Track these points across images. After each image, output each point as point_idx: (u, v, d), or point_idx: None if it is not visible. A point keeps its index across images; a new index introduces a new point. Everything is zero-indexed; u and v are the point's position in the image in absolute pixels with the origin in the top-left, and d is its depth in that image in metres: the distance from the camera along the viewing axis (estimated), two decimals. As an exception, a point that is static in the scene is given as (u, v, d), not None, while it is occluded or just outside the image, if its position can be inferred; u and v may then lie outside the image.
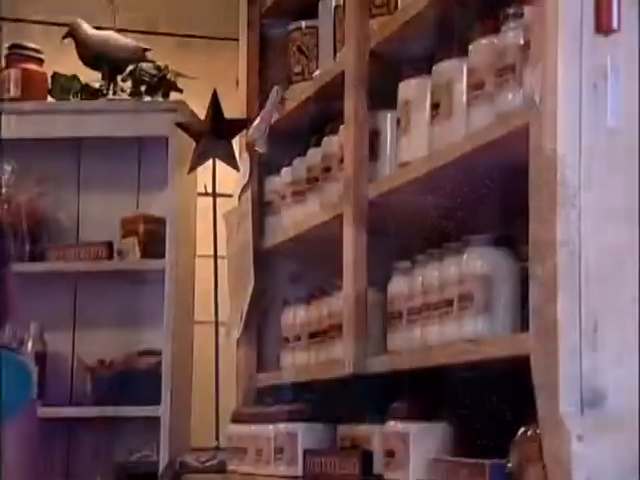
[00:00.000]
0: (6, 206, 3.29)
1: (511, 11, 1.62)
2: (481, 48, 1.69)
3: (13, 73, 3.33)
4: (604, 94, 1.42)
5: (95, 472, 3.34)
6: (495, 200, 1.85)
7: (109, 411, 3.24)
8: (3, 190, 3.30)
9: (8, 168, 3.27)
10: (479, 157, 1.69)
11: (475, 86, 1.69)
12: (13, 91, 3.32)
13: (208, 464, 2.59)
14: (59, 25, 3.40)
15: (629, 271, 1.41)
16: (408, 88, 1.92)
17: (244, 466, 2.37)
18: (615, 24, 1.41)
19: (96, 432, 3.39)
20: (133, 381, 3.24)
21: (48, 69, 3.42)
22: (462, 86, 1.75)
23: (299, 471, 2.13)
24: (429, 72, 1.85)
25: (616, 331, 1.40)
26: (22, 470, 1.95)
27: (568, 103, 1.41)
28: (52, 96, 3.39)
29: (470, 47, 1.73)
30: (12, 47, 3.39)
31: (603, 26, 1.41)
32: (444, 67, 1.80)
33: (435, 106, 1.81)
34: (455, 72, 1.77)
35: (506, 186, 1.69)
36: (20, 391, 1.93)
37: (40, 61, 3.41)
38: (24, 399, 1.93)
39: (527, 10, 1.55)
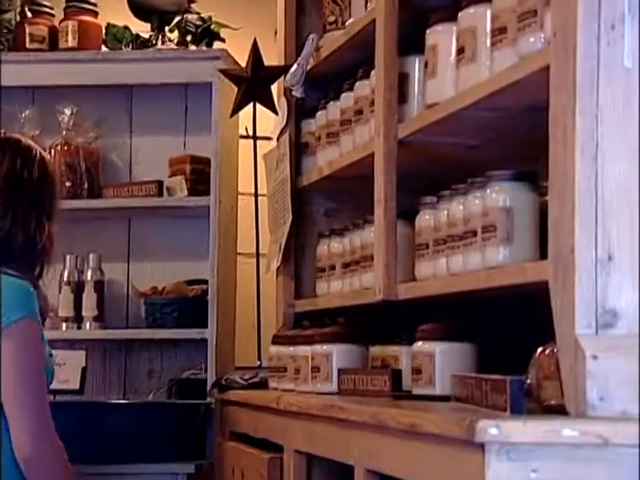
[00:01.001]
0: (66, 147, 3.30)
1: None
2: (504, -6, 1.65)
3: (71, 25, 3.33)
4: (621, 36, 1.38)
5: (150, 388, 3.39)
6: (517, 138, 1.82)
7: (161, 333, 3.27)
8: (64, 133, 3.30)
9: (67, 112, 3.26)
10: (502, 97, 1.65)
11: (499, 30, 1.64)
12: (71, 41, 3.32)
13: (251, 381, 2.60)
14: (112, -20, 3.38)
15: (643, 203, 1.38)
16: (435, 34, 1.88)
17: (284, 383, 2.38)
18: (633, -32, 1.36)
19: (150, 352, 3.43)
20: (183, 306, 3.26)
21: (102, 21, 3.40)
22: (486, 31, 1.70)
23: (334, 388, 2.13)
24: (455, 18, 1.81)
25: (630, 260, 1.37)
26: (17, 387, 1.90)
27: (587, 44, 1.37)
28: (106, 46, 3.38)
29: (494, -7, 1.68)
30: (70, 0, 3.37)
31: (621, -30, 1.36)
32: (469, 13, 1.76)
33: (460, 50, 1.77)
34: (480, 18, 1.72)
35: (527, 124, 1.66)
36: (15, 309, 1.90)
37: (95, 13, 3.39)
38: (18, 317, 1.90)
39: (548, -43, 1.50)
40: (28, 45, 3.33)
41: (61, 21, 3.37)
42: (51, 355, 2.14)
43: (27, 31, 3.34)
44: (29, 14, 3.39)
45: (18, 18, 3.40)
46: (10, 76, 3.23)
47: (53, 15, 3.40)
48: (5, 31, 3.37)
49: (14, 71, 3.24)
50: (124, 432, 2.89)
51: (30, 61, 3.29)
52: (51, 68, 3.29)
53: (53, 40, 3.36)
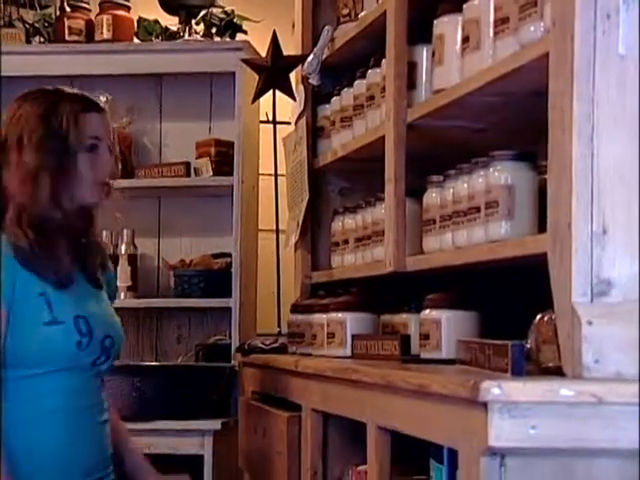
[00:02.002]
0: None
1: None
2: (507, -14, 1.62)
3: (105, 18, 3.33)
4: (616, 25, 1.36)
5: (179, 352, 3.40)
6: (518, 121, 1.80)
7: (189, 302, 3.28)
8: (98, 118, 3.29)
9: (103, 99, 3.25)
10: (504, 83, 1.63)
11: (501, 20, 1.62)
12: (106, 34, 3.33)
13: (272, 346, 2.60)
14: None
15: (637, 181, 1.36)
16: (442, 24, 1.86)
17: (301, 348, 2.38)
18: (628, -40, 1.34)
19: (179, 319, 3.44)
20: (209, 278, 3.26)
21: (134, 15, 3.40)
22: (489, 21, 1.68)
23: (347, 352, 2.13)
24: (460, 10, 1.79)
25: (623, 233, 1.36)
26: None
27: (584, 33, 1.35)
28: (138, 38, 3.38)
29: (497, -14, 1.66)
30: (104, -4, 3.38)
31: (617, -38, 1.34)
32: (474, 4, 1.73)
33: (466, 39, 1.75)
34: (483, 9, 1.70)
35: (528, 108, 1.64)
36: None
37: (128, 8, 3.40)
38: None
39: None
40: (67, 37, 3.34)
41: (97, 15, 3.37)
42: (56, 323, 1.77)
43: (66, 24, 3.35)
44: (68, 9, 3.40)
45: (58, 13, 3.42)
46: (51, 66, 3.24)
47: (89, 10, 3.41)
48: (46, 25, 3.39)
49: (54, 61, 3.26)
50: (156, 392, 2.90)
51: (69, 52, 3.30)
52: (88, 59, 3.29)
53: (90, 33, 3.36)
